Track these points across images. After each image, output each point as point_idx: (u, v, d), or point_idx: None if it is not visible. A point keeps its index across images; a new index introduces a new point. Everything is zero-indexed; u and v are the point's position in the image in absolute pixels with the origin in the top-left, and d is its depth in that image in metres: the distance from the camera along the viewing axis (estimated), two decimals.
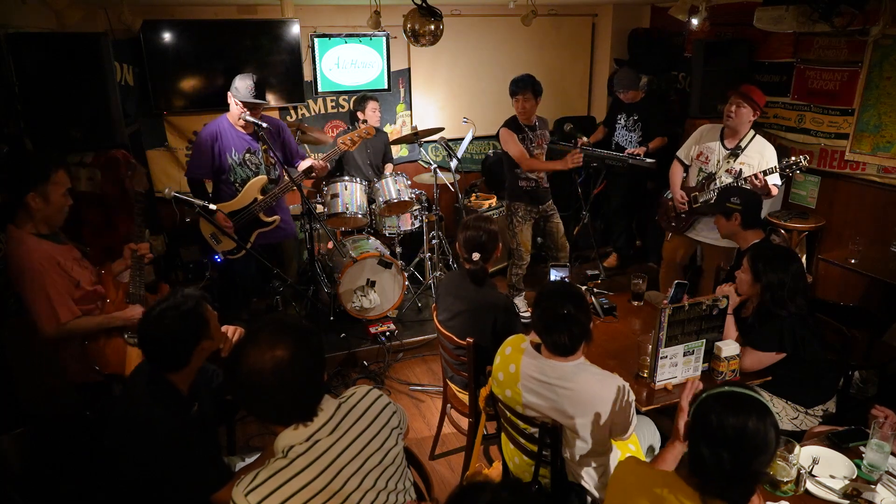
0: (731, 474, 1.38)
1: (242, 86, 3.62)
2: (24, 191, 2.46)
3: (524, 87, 4.13)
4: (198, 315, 1.91)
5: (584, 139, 5.37)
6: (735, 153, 3.76)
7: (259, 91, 3.66)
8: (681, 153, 4.08)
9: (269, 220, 3.89)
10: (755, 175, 3.55)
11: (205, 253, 3.87)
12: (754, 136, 3.77)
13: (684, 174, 4.06)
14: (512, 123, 4.34)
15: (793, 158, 3.53)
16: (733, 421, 1.39)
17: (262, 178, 3.82)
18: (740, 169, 3.74)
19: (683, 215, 3.98)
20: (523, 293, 4.74)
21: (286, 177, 3.86)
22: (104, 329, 2.56)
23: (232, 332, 2.16)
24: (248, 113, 3.67)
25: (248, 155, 3.80)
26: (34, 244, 2.47)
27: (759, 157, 3.73)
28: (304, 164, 3.94)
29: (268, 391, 1.46)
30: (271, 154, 3.87)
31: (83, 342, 2.55)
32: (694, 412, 1.45)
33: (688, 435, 1.46)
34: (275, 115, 5.17)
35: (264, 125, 3.68)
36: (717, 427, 1.39)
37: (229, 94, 3.70)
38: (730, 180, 3.76)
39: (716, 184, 3.80)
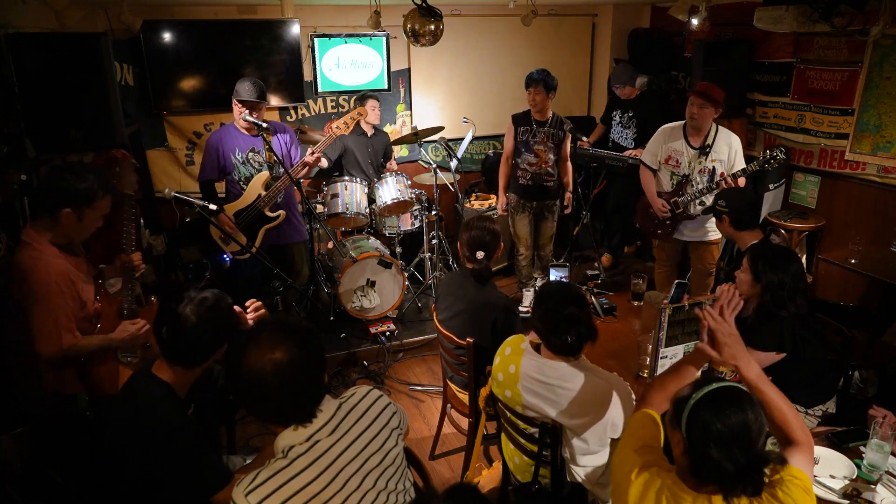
0: (748, 467, 1.40)
1: (241, 87, 3.72)
2: (61, 204, 2.33)
3: (536, 80, 4.16)
4: (233, 317, 1.93)
5: (585, 140, 5.39)
6: (704, 151, 3.77)
7: (258, 91, 3.73)
8: (647, 159, 4.02)
9: (274, 214, 3.92)
10: (726, 179, 3.58)
11: (209, 254, 3.89)
12: (718, 129, 3.79)
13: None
14: (518, 116, 4.39)
15: (768, 152, 3.53)
16: (735, 418, 1.41)
17: (265, 174, 3.86)
18: (713, 167, 3.76)
19: (668, 222, 3.97)
20: (532, 289, 4.74)
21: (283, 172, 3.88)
22: (99, 350, 2.46)
23: (257, 306, 2.13)
24: (247, 113, 3.70)
25: (251, 154, 3.86)
26: (53, 259, 2.34)
27: (728, 148, 3.76)
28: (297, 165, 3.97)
29: (268, 392, 1.45)
30: (274, 153, 3.90)
31: (79, 363, 2.46)
32: (688, 423, 1.46)
33: (687, 449, 1.47)
34: (275, 115, 5.18)
35: (264, 125, 3.70)
36: (723, 428, 1.40)
37: (233, 98, 3.77)
38: (705, 179, 3.77)
39: (692, 185, 3.80)
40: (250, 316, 2.13)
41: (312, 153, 3.85)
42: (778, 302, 2.50)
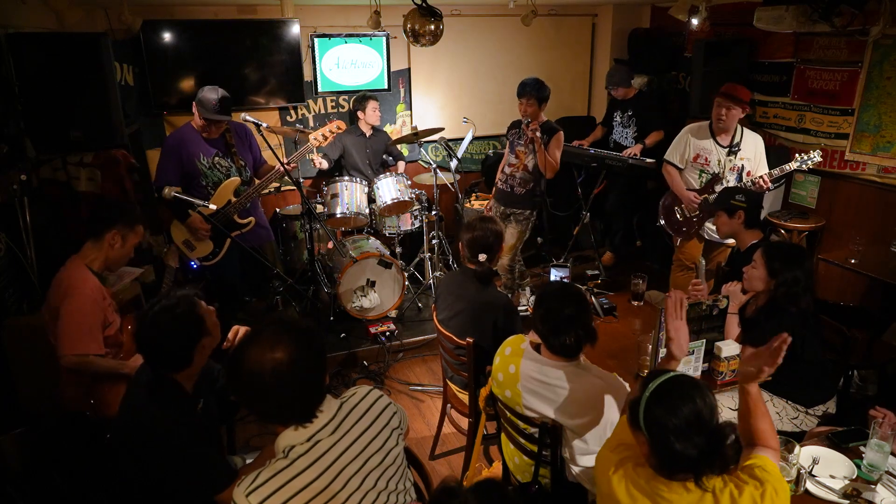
0: (711, 450, 1.47)
1: (207, 100, 3.56)
2: (110, 224, 2.64)
3: (529, 92, 4.07)
4: (193, 316, 1.90)
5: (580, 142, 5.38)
6: (733, 150, 3.82)
7: (223, 107, 3.59)
8: (672, 157, 4.04)
9: (244, 221, 3.85)
10: (763, 178, 3.60)
11: (182, 261, 3.82)
12: (743, 129, 3.86)
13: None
14: (514, 122, 4.36)
15: (805, 155, 3.62)
16: (687, 409, 1.47)
17: (236, 179, 3.77)
18: (742, 165, 3.80)
19: (695, 219, 3.98)
20: (526, 289, 4.74)
21: (264, 177, 3.85)
22: (112, 374, 2.57)
23: (243, 332, 2.13)
24: (246, 114, 3.66)
25: (217, 158, 3.76)
26: (91, 277, 2.60)
27: (754, 148, 3.84)
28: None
29: (266, 390, 1.46)
30: (241, 157, 3.85)
31: (91, 380, 2.56)
32: (646, 422, 1.51)
33: (652, 447, 1.52)
34: (275, 115, 5.18)
35: (263, 124, 3.67)
36: (678, 422, 1.46)
37: (194, 102, 3.63)
38: (734, 177, 3.80)
39: (722, 184, 3.82)
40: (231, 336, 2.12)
41: (288, 163, 3.79)
42: (792, 297, 2.50)
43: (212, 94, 3.57)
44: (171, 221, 3.80)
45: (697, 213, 3.96)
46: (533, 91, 4.07)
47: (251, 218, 3.89)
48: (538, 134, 4.01)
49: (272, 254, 4.30)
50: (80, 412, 2.57)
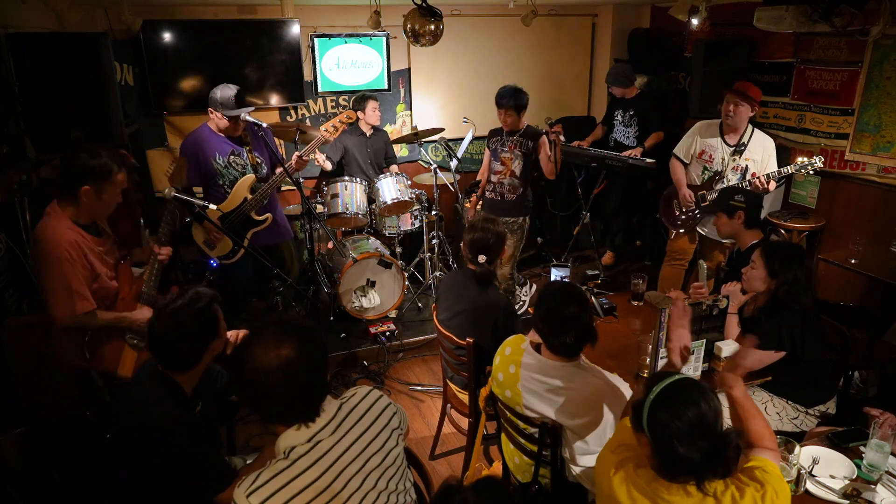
0: (713, 453, 1.47)
1: (226, 98, 3.57)
2: (80, 182, 2.46)
3: (506, 102, 3.99)
4: (211, 314, 1.91)
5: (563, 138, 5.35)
6: (739, 150, 3.81)
7: (240, 100, 3.62)
8: (679, 151, 4.07)
9: (261, 218, 3.86)
10: (759, 179, 3.59)
11: (202, 257, 3.85)
12: (753, 130, 3.83)
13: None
14: (493, 130, 4.33)
15: (806, 160, 3.60)
16: (691, 413, 1.46)
17: (250, 176, 3.78)
18: (746, 165, 3.79)
19: (690, 213, 3.99)
20: (523, 287, 4.73)
21: (277, 173, 3.85)
22: (113, 326, 2.53)
23: (237, 334, 2.14)
24: (246, 113, 3.65)
25: (232, 157, 3.77)
26: (65, 231, 2.45)
27: (762, 150, 3.81)
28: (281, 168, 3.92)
29: (274, 389, 1.46)
30: (256, 154, 3.86)
31: (86, 333, 2.52)
32: (650, 425, 1.50)
33: (654, 449, 1.52)
34: (275, 115, 5.18)
35: (263, 124, 3.68)
36: (682, 425, 1.45)
37: (210, 107, 3.65)
38: (737, 177, 3.79)
39: (723, 182, 3.82)
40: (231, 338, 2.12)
41: (300, 156, 3.79)
42: (793, 296, 2.51)
43: (228, 91, 3.59)
44: (180, 222, 3.80)
45: (693, 207, 3.97)
46: (510, 101, 3.98)
47: (268, 214, 3.89)
48: (562, 137, 3.99)
49: (289, 252, 4.29)
50: (79, 412, 2.58)
